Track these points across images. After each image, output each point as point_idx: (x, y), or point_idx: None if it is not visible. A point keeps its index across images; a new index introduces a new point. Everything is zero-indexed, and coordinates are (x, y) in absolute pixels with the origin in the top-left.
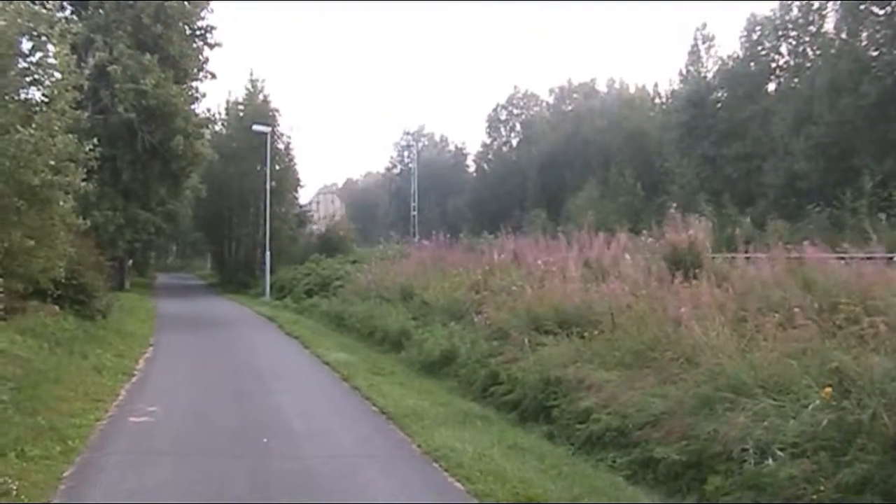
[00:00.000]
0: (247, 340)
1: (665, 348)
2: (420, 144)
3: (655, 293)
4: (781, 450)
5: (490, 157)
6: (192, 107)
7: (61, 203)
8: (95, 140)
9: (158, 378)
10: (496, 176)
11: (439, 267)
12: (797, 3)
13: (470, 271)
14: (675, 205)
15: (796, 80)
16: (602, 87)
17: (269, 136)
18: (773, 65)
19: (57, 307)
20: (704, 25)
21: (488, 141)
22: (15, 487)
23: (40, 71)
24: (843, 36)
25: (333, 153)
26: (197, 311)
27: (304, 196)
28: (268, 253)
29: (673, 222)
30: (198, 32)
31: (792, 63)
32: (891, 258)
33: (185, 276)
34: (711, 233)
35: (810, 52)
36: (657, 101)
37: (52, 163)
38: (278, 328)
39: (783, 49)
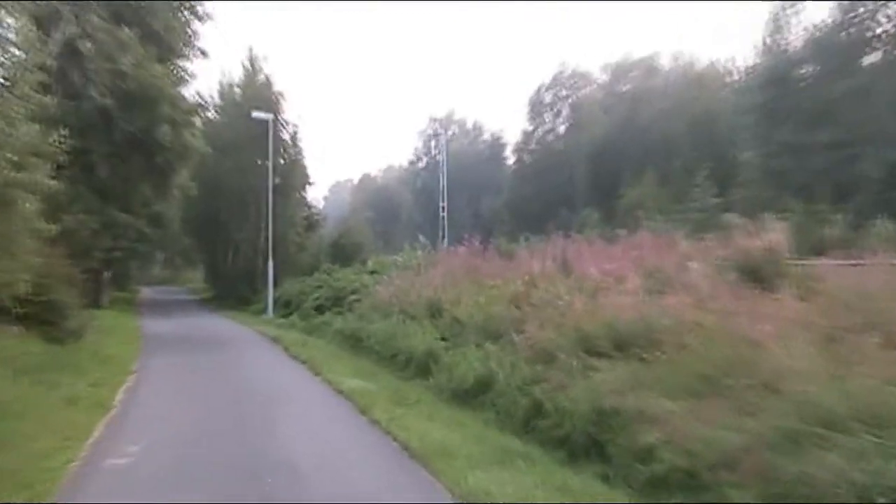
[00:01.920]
0: (246, 365)
1: (741, 373)
2: (449, 133)
3: (728, 308)
4: (882, 495)
5: (532, 146)
6: (180, 90)
7: (25, 205)
8: (65, 130)
9: (141, 411)
10: (539, 169)
11: (473, 277)
12: None
13: (509, 282)
14: (745, 203)
15: None
16: (665, 63)
17: (271, 125)
18: (871, 34)
19: (21, 328)
20: None
21: (530, 128)
22: None
23: None
24: None
25: (348, 144)
26: (187, 331)
27: (315, 195)
28: (271, 262)
29: (745, 224)
30: (185, 2)
31: (893, 31)
32: None
33: (174, 289)
34: (795, 235)
35: None
36: (729, 79)
37: (12, 157)
38: (283, 350)
39: (882, 15)
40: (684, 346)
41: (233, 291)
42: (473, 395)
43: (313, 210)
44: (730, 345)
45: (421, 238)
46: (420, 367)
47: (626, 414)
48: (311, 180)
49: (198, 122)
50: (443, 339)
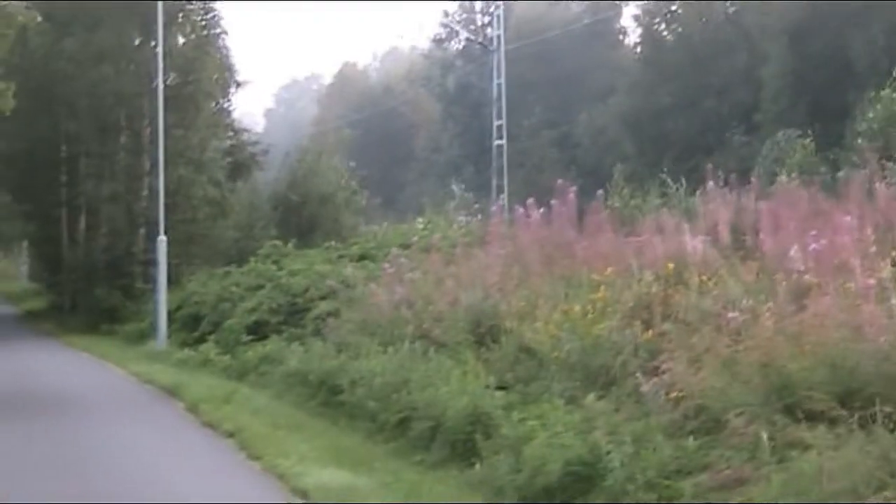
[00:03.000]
0: (109, 453)
1: None
2: None
3: None
4: None
5: (673, 11)
6: None
7: None
8: None
9: None
10: (690, 54)
11: (559, 267)
12: None
13: (629, 277)
14: None
15: None
16: None
17: None
18: None
19: None
20: None
21: None
22: None
23: None
24: None
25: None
26: None
27: (248, 108)
28: (162, 240)
29: None
30: None
31: None
32: None
33: None
34: None
35: None
36: None
37: None
38: (187, 414)
39: None
40: None
41: (88, 298)
42: (563, 500)
43: (243, 139)
44: None
45: (457, 190)
46: (457, 445)
47: None
48: (239, 79)
49: None
50: (501, 387)
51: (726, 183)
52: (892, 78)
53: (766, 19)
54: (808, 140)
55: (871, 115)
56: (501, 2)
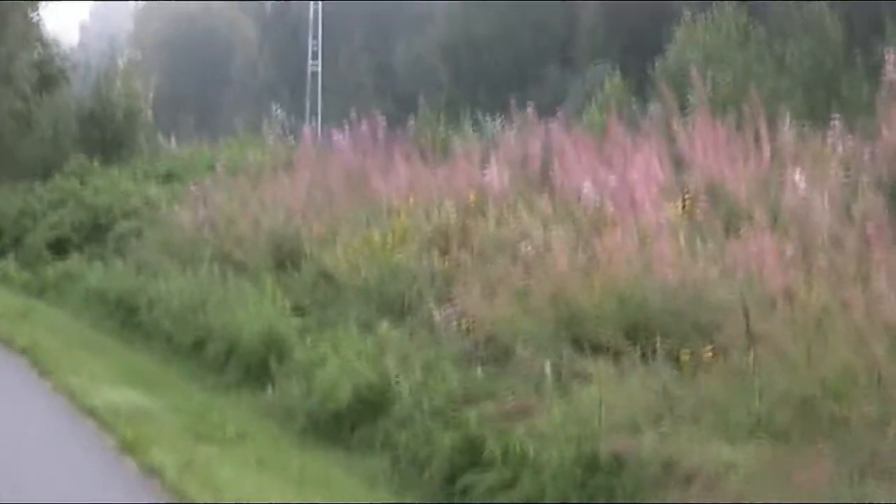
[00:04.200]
0: None
1: (866, 395)
2: None
3: (857, 263)
4: None
5: None
6: None
7: None
8: None
9: None
10: None
11: (364, 194)
12: None
13: (432, 206)
14: None
15: None
16: None
17: None
18: None
19: None
20: None
21: None
22: None
23: None
24: None
25: None
26: None
27: (60, 23)
28: None
29: None
30: None
31: None
32: None
33: None
34: None
35: None
36: None
37: None
38: None
39: None
40: (761, 340)
41: None
42: (351, 426)
43: (53, 51)
44: (854, 338)
45: (275, 113)
46: (251, 368)
47: (642, 468)
48: None
49: None
50: (298, 311)
51: (538, 115)
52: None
53: None
54: (616, 74)
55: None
56: None
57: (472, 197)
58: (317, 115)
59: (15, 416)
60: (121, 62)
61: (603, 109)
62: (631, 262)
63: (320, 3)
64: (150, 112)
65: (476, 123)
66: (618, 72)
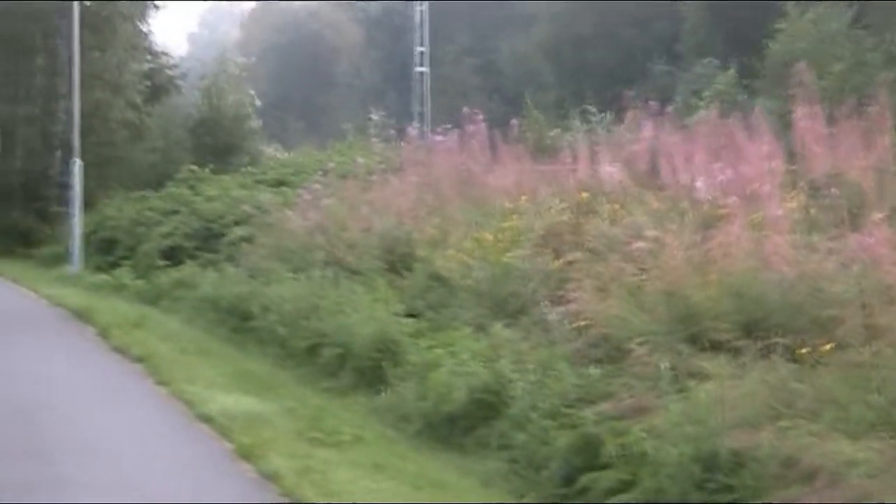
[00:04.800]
0: (18, 372)
1: None
2: None
3: None
4: None
5: None
6: None
7: None
8: None
9: None
10: None
11: (472, 195)
12: None
13: (542, 206)
14: None
15: None
16: None
17: None
18: None
19: None
20: None
21: None
22: None
23: None
24: None
25: None
26: None
27: (168, 33)
28: (77, 164)
29: None
30: None
31: None
32: None
33: None
34: None
35: None
36: None
37: None
38: (98, 338)
39: None
40: (881, 333)
41: (3, 221)
42: (466, 428)
43: (162, 61)
44: None
45: (375, 117)
46: (365, 371)
47: (762, 466)
48: (157, 2)
49: None
50: (411, 315)
51: (645, 113)
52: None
53: None
54: (728, 70)
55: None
56: None
57: (582, 195)
58: (423, 116)
59: (133, 424)
60: (230, 71)
61: (713, 104)
62: (747, 256)
63: (426, 5)
64: (255, 118)
65: (584, 121)
66: (732, 69)
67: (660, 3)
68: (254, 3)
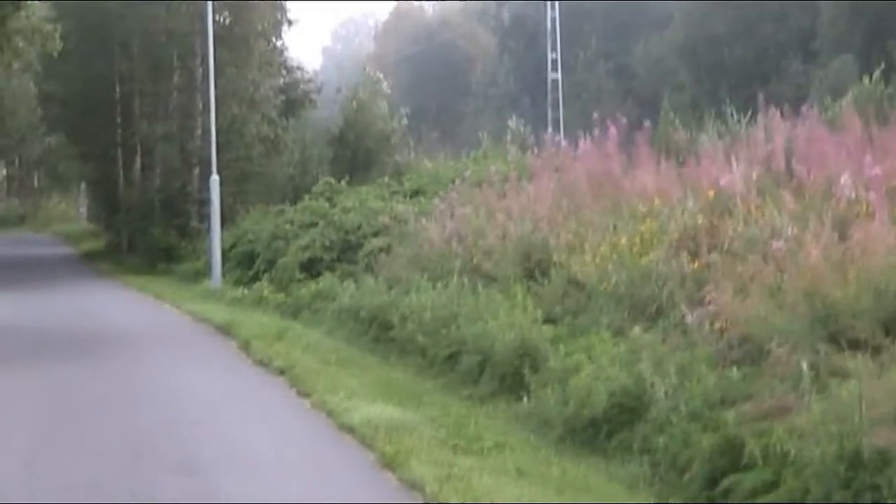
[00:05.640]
0: (168, 387)
1: None
2: None
3: None
4: None
5: None
6: None
7: None
8: None
9: None
10: None
11: (609, 199)
12: None
13: (677, 208)
14: None
15: None
16: None
17: None
18: None
19: None
20: None
21: None
22: None
23: None
24: None
25: None
26: (52, 319)
27: (302, 48)
28: (215, 180)
29: None
30: None
31: None
32: None
33: (30, 236)
34: None
35: None
36: None
37: None
38: (240, 351)
39: None
40: None
41: (144, 238)
42: (608, 432)
43: (297, 76)
44: None
45: (512, 124)
46: (505, 378)
47: None
48: (290, 17)
49: None
50: (550, 321)
51: (781, 111)
52: None
53: None
54: (876, 70)
55: None
56: None
57: (710, 194)
58: (558, 121)
59: (277, 435)
60: (365, 86)
61: (852, 99)
62: (887, 253)
63: (557, 9)
64: (399, 131)
65: (720, 121)
66: (881, 66)
67: None
68: (387, 15)
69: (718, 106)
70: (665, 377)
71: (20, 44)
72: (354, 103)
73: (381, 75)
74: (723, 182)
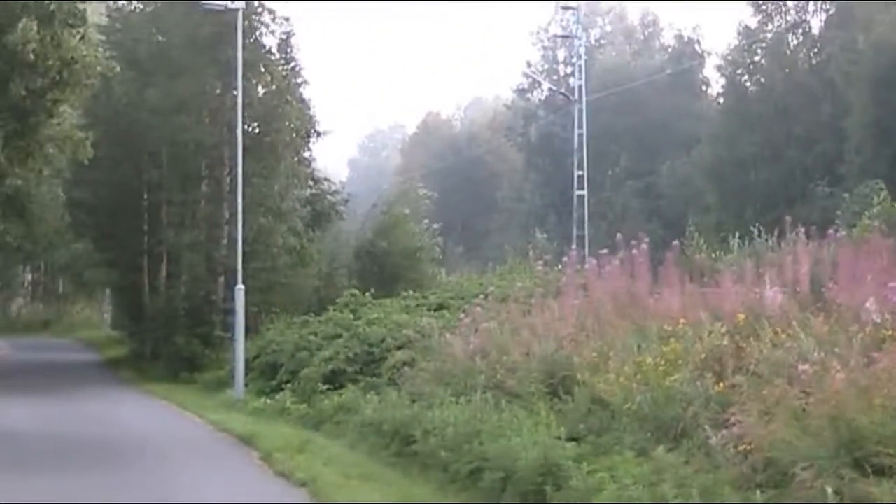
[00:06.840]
0: (185, 496)
1: None
2: (594, 34)
3: None
4: None
5: (760, 60)
6: None
7: None
8: None
9: None
10: (772, 104)
11: (632, 318)
12: None
13: (702, 328)
14: None
15: None
16: None
17: (241, 20)
18: None
19: None
20: None
21: (753, 24)
22: None
23: None
24: None
25: (395, 57)
26: (72, 426)
27: (329, 158)
28: (240, 289)
29: None
30: None
31: None
32: None
33: (54, 342)
34: None
35: None
36: None
37: None
38: (262, 464)
39: None
40: None
41: (168, 346)
42: None
43: (324, 188)
44: None
45: (539, 237)
46: (527, 496)
47: None
48: (318, 128)
49: (95, 17)
50: (573, 439)
51: (807, 235)
52: None
53: (849, 69)
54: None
55: None
56: (582, 53)
57: (740, 317)
58: (583, 238)
59: None
60: (404, 201)
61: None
62: None
63: (584, 130)
64: (428, 247)
65: (746, 243)
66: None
67: (823, 122)
68: (414, 128)
69: (744, 228)
70: (688, 498)
71: (51, 150)
72: (389, 218)
73: (427, 191)
74: (750, 304)
